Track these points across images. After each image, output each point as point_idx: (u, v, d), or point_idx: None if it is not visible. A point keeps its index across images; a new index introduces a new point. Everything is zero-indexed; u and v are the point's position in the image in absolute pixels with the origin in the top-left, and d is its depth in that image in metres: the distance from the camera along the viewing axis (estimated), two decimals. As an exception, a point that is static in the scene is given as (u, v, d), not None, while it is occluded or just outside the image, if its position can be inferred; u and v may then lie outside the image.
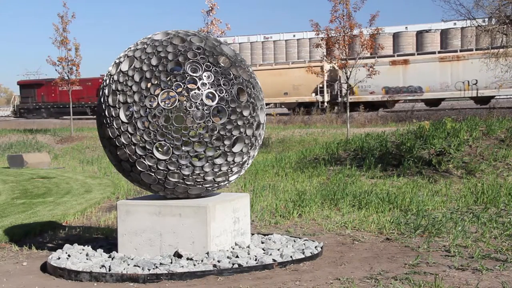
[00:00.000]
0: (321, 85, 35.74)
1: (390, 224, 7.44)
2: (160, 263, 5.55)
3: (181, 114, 5.66)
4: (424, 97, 34.04)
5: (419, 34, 70.80)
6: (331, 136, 21.93)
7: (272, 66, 40.11)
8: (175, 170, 5.76)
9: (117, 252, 6.07)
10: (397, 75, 33.86)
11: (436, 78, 32.86)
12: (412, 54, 37.49)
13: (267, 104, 41.24)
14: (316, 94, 36.19)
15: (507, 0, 18.29)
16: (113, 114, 5.81)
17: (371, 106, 34.76)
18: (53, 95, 44.66)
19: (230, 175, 6.12)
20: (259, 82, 6.32)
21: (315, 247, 6.18)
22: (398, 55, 37.22)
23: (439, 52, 34.85)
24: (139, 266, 5.49)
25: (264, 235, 6.87)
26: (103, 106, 5.93)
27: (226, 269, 5.37)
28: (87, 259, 5.93)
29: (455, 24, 61.86)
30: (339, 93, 35.53)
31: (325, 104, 35.64)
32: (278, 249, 6.06)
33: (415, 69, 33.61)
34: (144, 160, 5.77)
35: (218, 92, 5.71)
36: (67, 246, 6.40)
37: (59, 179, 14.41)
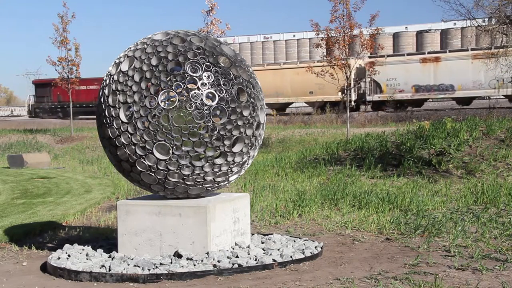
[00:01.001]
0: (348, 84, 35.08)
1: (390, 224, 7.44)
2: (160, 263, 5.55)
3: (181, 114, 5.66)
4: (456, 95, 33.20)
5: (419, 34, 70.81)
6: (331, 136, 21.94)
7: (297, 65, 38.90)
8: (175, 170, 5.76)
9: (117, 252, 6.07)
10: (427, 73, 33.01)
11: (468, 75, 31.88)
12: (444, 52, 36.67)
13: (289, 104, 39.73)
14: (343, 93, 34.65)
15: (507, 0, 18.28)
16: (113, 114, 5.81)
17: (401, 104, 33.78)
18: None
19: (230, 175, 6.12)
20: (259, 82, 6.32)
21: (315, 247, 6.18)
22: (428, 53, 36.35)
23: (472, 49, 33.46)
24: (139, 266, 5.49)
25: (264, 235, 6.87)
26: (103, 106, 5.93)
27: (226, 269, 5.37)
28: (87, 259, 5.93)
29: (455, 24, 61.89)
30: (367, 91, 34.69)
31: (352, 103, 34.44)
32: (278, 249, 6.06)
33: (447, 66, 32.73)
34: (144, 160, 5.77)
35: (218, 92, 5.71)
36: (67, 246, 6.40)
37: (59, 179, 14.41)
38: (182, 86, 5.66)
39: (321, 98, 35.86)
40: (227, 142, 5.80)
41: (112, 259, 5.89)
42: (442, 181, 11.20)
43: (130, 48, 6.07)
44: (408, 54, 33.42)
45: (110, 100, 5.85)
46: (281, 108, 38.96)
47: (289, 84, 37.29)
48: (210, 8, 21.77)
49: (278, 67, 39.24)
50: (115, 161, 6.09)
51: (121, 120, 5.76)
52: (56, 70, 29.20)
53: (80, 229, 7.88)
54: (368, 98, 34.84)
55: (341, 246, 6.51)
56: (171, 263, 5.58)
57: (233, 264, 5.48)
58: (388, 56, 36.32)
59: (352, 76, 34.17)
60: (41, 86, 47.12)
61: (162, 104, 5.64)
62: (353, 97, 34.74)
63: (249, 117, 5.89)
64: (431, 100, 36.74)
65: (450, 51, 36.49)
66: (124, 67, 5.86)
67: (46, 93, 45.87)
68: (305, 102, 38.99)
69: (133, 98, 5.71)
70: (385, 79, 34.02)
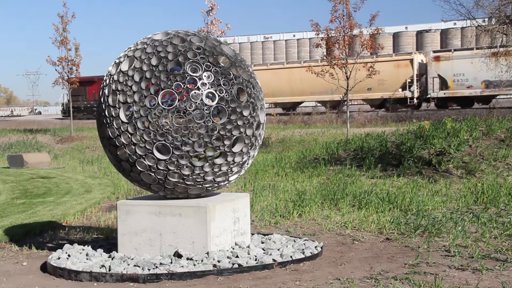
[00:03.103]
0: (410, 80, 33.09)
1: (390, 224, 7.44)
2: (160, 263, 5.55)
3: (181, 114, 5.66)
4: None
5: (419, 34, 70.81)
6: (331, 136, 21.94)
7: (354, 60, 37.63)
8: (175, 170, 5.76)
9: (117, 252, 6.07)
10: (499, 68, 31.49)
11: None
12: None
13: (343, 101, 36.86)
14: (404, 89, 33.38)
15: (507, 0, 18.28)
16: (113, 114, 5.81)
17: (469, 101, 32.22)
18: None
19: (230, 175, 6.11)
20: (259, 82, 6.32)
21: (315, 247, 6.17)
22: (500, 46, 35.17)
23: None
24: (139, 266, 5.49)
25: (264, 235, 6.87)
26: (103, 106, 5.92)
27: (226, 269, 5.37)
28: (87, 259, 5.93)
29: (455, 24, 61.91)
30: (430, 87, 32.89)
31: (415, 100, 33.14)
32: (278, 249, 6.06)
33: None
34: (144, 160, 5.77)
35: (218, 92, 5.71)
36: (67, 246, 6.40)
37: (59, 179, 14.41)
38: (182, 86, 5.66)
39: (380, 95, 34.02)
40: (227, 142, 5.80)
41: (112, 259, 5.89)
42: (442, 181, 11.20)
43: (130, 48, 6.07)
44: (477, 48, 31.66)
45: (110, 100, 5.85)
46: (334, 106, 36.60)
47: (345, 80, 35.68)
48: (210, 8, 21.78)
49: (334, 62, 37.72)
50: (115, 161, 6.09)
51: (121, 120, 5.76)
52: (56, 70, 29.23)
53: (80, 229, 7.88)
54: (433, 94, 32.93)
55: (341, 246, 6.51)
56: (171, 263, 5.58)
57: (233, 264, 5.48)
58: (455, 50, 34.42)
59: (415, 71, 32.67)
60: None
61: (162, 104, 5.64)
62: (416, 93, 33.17)
63: (249, 117, 5.89)
64: (502, 96, 34.54)
65: None
66: (124, 67, 5.86)
67: (81, 91, 43.35)
68: (363, 100, 36.92)
69: (133, 98, 5.71)
70: (451, 74, 32.16)
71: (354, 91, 34.41)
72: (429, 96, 33.11)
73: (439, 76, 32.40)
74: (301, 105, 39.32)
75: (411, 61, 32.39)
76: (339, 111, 31.59)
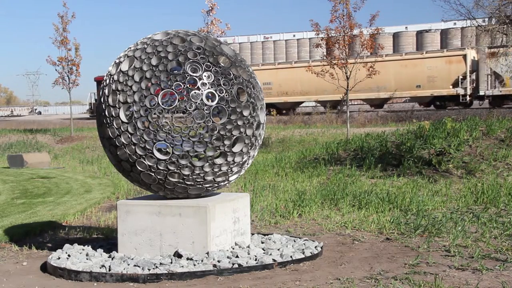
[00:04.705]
0: (462, 76, 31.80)
1: (390, 224, 7.44)
2: (160, 263, 5.55)
3: (181, 114, 5.66)
4: None
5: (419, 34, 70.83)
6: (331, 136, 21.93)
7: (402, 56, 35.73)
8: (175, 170, 5.76)
9: (117, 252, 6.07)
10: None
11: None
12: None
13: (388, 99, 35.71)
14: (455, 87, 32.07)
15: (507, 0, 18.29)
16: (113, 114, 5.81)
17: None
18: None
19: (230, 175, 6.11)
20: (259, 82, 6.32)
21: (315, 247, 6.17)
22: None
23: None
24: (139, 266, 5.49)
25: (264, 235, 6.87)
26: (103, 106, 5.92)
27: (226, 269, 5.37)
28: (87, 259, 5.93)
29: (455, 24, 61.92)
30: (484, 85, 31.37)
31: (467, 97, 31.84)
32: (278, 249, 6.06)
33: None
34: (144, 160, 5.77)
35: (218, 92, 5.71)
36: (67, 246, 6.40)
37: (59, 179, 14.41)
38: (182, 86, 5.66)
39: (429, 93, 32.69)
40: (227, 142, 5.80)
41: (112, 259, 5.89)
42: (442, 181, 11.19)
43: (130, 48, 6.07)
44: None
45: (110, 100, 5.85)
46: (380, 104, 35.84)
47: (393, 78, 33.84)
48: (210, 8, 21.79)
49: (380, 59, 35.36)
50: (115, 161, 6.09)
51: (121, 120, 5.76)
52: (56, 70, 29.22)
53: (80, 229, 7.88)
54: (487, 92, 31.49)
55: (341, 246, 6.51)
56: (171, 263, 5.58)
57: (233, 264, 5.48)
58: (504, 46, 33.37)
59: (468, 68, 31.37)
60: None
61: (162, 104, 5.64)
62: (468, 91, 31.92)
63: (249, 117, 5.89)
64: None
65: None
66: (124, 67, 5.86)
67: None
68: (411, 97, 35.84)
69: (133, 98, 5.71)
70: (508, 71, 30.16)
71: (402, 88, 33.07)
72: (481, 93, 31.78)
73: (494, 73, 31.02)
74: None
75: (464, 56, 31.22)
76: (390, 111, 30.56)
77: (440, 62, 32.21)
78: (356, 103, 40.50)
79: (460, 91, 31.85)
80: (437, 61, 32.40)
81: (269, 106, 36.45)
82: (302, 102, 38.87)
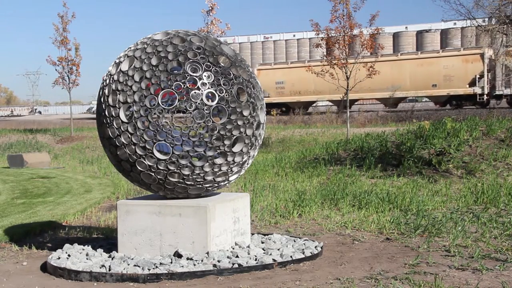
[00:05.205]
0: (479, 75, 31.38)
1: (390, 224, 7.44)
2: (160, 263, 5.55)
3: (181, 113, 5.66)
4: None
5: (419, 34, 70.88)
6: (331, 136, 21.92)
7: (418, 55, 35.43)
8: (175, 170, 5.76)
9: (117, 252, 6.07)
10: None
11: None
12: None
13: (403, 98, 35.37)
14: (472, 86, 31.62)
15: (507, 0, 18.29)
16: (113, 113, 5.81)
17: None
18: None
19: (230, 175, 6.11)
20: (259, 82, 6.32)
21: (315, 247, 6.17)
22: None
23: None
24: (139, 266, 5.49)
25: (264, 235, 6.87)
26: (103, 106, 5.92)
27: (226, 269, 5.37)
28: (87, 259, 5.93)
29: (455, 24, 61.95)
30: (502, 84, 31.12)
31: (484, 97, 31.36)
32: (278, 249, 6.06)
33: None
34: (144, 160, 5.77)
35: (218, 92, 5.71)
36: (67, 246, 6.40)
37: (59, 179, 14.41)
38: (182, 86, 5.66)
39: (446, 92, 32.29)
40: (227, 142, 5.80)
41: (112, 259, 5.89)
42: (442, 181, 11.19)
43: (130, 48, 6.07)
44: None
45: (110, 99, 5.85)
46: (394, 104, 35.66)
47: (408, 77, 33.70)
48: (210, 8, 21.78)
49: (395, 58, 35.43)
50: (115, 161, 6.09)
51: (121, 120, 5.76)
52: (56, 70, 29.21)
53: (80, 229, 7.88)
54: (506, 91, 31.28)
55: (341, 246, 6.51)
56: (171, 263, 5.58)
57: (233, 264, 5.48)
58: None
59: (485, 67, 30.97)
60: None
61: (162, 104, 5.64)
62: (486, 90, 31.50)
63: (249, 117, 5.89)
64: None
65: None
66: (124, 67, 5.86)
67: None
68: (427, 97, 35.71)
69: (133, 98, 5.71)
70: None
71: (418, 87, 32.75)
72: (499, 93, 31.42)
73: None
74: (356, 102, 37.85)
75: (482, 55, 30.91)
76: (408, 112, 30.30)
77: (457, 61, 31.93)
78: (368, 102, 40.24)
79: (477, 90, 31.51)
80: (453, 60, 32.07)
81: (282, 105, 36.21)
82: (315, 102, 38.55)
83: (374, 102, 39.40)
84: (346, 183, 11.00)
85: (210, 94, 5.69)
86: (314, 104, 39.60)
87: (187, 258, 5.67)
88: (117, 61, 6.04)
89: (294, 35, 78.22)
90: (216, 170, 5.89)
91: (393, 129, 17.39)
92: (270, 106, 36.63)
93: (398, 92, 33.71)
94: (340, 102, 34.33)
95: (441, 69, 32.50)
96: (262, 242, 6.49)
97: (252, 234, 6.82)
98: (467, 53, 32.70)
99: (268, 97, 37.02)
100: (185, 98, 5.65)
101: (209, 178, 5.92)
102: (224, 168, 5.94)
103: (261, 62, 71.47)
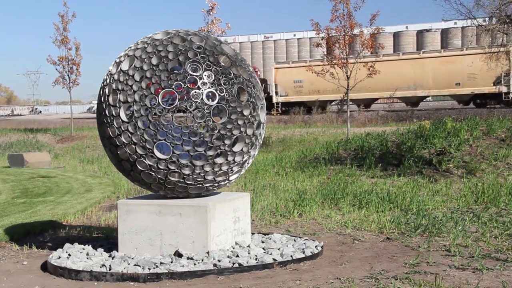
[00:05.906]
0: (505, 74, 30.79)
1: (391, 223, 7.44)
2: (161, 263, 5.55)
3: (182, 113, 5.66)
4: None
5: (420, 33, 70.84)
6: (331, 135, 21.92)
7: (441, 53, 34.83)
8: (176, 170, 5.76)
9: (117, 251, 6.08)
10: None
11: None
12: None
13: (424, 97, 34.92)
14: (496, 84, 31.14)
15: (507, -1, 18.29)
16: (114, 113, 5.81)
17: None
18: None
19: (230, 174, 6.11)
20: (259, 81, 6.32)
21: (316, 246, 6.17)
22: None
23: None
24: (139, 266, 5.49)
25: (265, 234, 6.87)
26: (104, 105, 5.92)
27: (226, 268, 5.37)
28: (87, 258, 5.93)
29: (455, 23, 61.90)
30: None
31: (510, 95, 30.82)
32: (279, 249, 6.06)
33: None
34: (145, 160, 5.77)
35: (218, 91, 5.71)
36: (67, 245, 6.40)
37: (60, 178, 14.41)
38: (183, 86, 5.66)
39: (470, 91, 31.80)
40: (227, 142, 5.80)
41: (113, 258, 5.89)
42: (442, 181, 11.19)
43: (130, 47, 6.07)
44: None
45: (110, 99, 5.85)
46: (416, 102, 35.17)
47: (431, 75, 33.18)
48: (211, 8, 21.76)
49: (417, 56, 34.69)
50: (115, 160, 6.09)
51: (122, 119, 5.76)
52: (56, 69, 29.20)
53: (80, 229, 7.88)
54: None
55: (342, 245, 6.51)
56: (172, 262, 5.58)
57: (233, 264, 5.48)
58: None
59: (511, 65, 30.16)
60: None
61: (162, 104, 5.64)
62: (511, 88, 31.17)
63: (249, 117, 5.89)
64: None
65: None
66: (125, 66, 5.86)
67: None
68: (450, 96, 35.19)
69: (134, 97, 5.71)
70: None
71: (440, 86, 32.23)
72: None
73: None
74: (377, 101, 37.50)
75: (507, 53, 30.89)
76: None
77: (482, 59, 31.69)
78: (388, 101, 39.90)
79: (503, 89, 31.18)
80: (477, 58, 31.15)
81: (299, 104, 35.79)
82: (333, 101, 37.95)
83: (395, 101, 39.02)
84: (347, 183, 11.00)
85: (210, 94, 5.69)
86: (333, 103, 39.28)
87: (188, 258, 5.67)
88: (118, 60, 6.04)
89: (294, 35, 78.18)
90: (216, 169, 5.89)
91: (393, 129, 17.39)
92: (288, 106, 36.13)
93: (420, 90, 33.22)
94: (361, 101, 34.09)
95: (465, 67, 31.98)
96: (263, 242, 6.49)
97: (253, 233, 6.83)
98: (492, 51, 32.75)
99: (286, 96, 36.61)
100: (185, 97, 5.65)
101: (210, 177, 5.92)
102: (224, 168, 5.94)
103: (262, 62, 71.42)
